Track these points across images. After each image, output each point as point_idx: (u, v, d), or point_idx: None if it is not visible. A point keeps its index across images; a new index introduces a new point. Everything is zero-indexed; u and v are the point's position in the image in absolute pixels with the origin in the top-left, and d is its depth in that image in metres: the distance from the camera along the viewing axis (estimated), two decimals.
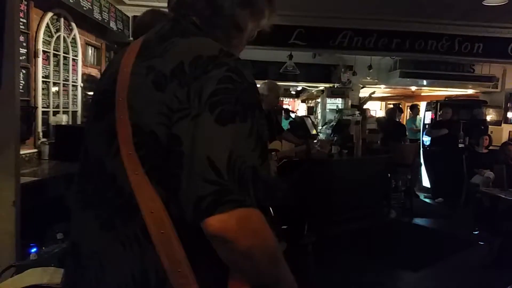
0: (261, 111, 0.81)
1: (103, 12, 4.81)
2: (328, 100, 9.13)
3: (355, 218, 5.34)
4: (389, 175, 6.63)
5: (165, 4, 1.00)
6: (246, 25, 0.96)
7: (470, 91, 9.39)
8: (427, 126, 8.31)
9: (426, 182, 8.09)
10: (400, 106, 10.07)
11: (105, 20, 4.89)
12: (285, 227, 3.07)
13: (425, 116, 8.64)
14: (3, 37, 2.14)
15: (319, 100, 10.59)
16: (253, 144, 0.75)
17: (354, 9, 5.59)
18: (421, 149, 8.12)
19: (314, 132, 6.95)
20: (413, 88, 10.18)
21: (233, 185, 0.71)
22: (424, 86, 9.33)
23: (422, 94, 11.33)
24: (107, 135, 0.84)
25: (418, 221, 6.25)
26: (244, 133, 0.75)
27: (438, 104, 8.16)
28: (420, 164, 7.97)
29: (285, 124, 6.65)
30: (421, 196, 7.77)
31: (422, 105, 9.65)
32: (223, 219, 0.69)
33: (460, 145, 7.31)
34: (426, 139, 8.01)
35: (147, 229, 0.76)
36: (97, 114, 0.91)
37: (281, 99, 8.61)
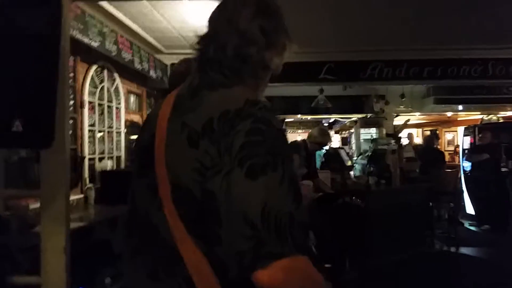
0: (290, 155, 0.83)
1: (143, 62, 5.11)
2: (362, 130, 9.09)
3: (398, 250, 5.20)
4: (430, 204, 6.44)
5: None
6: (272, 63, 0.99)
7: (510, 113, 9.12)
8: (466, 151, 8.09)
9: (470, 209, 7.78)
10: (437, 132, 9.85)
11: (145, 69, 5.19)
12: (328, 265, 3.04)
13: (464, 141, 8.42)
14: (56, 94, 2.33)
15: (352, 130, 10.56)
16: (286, 190, 0.77)
17: (382, 41, 5.63)
18: (462, 175, 7.87)
19: (349, 163, 6.90)
20: (449, 113, 9.99)
21: (270, 237, 0.72)
22: (460, 111, 9.14)
23: (459, 119, 11.08)
24: (151, 190, 0.89)
25: (464, 250, 5.99)
26: (276, 182, 0.76)
27: (476, 128, 7.95)
28: (462, 191, 7.71)
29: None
30: (466, 224, 7.46)
31: (460, 130, 9.42)
32: (269, 274, 0.71)
33: (503, 169, 7.05)
34: (467, 165, 7.77)
35: (192, 280, 0.80)
36: (140, 170, 0.97)
37: None
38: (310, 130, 5.09)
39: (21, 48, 1.36)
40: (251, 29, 0.94)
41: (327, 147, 6.80)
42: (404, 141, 8.87)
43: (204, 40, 0.98)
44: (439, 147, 8.87)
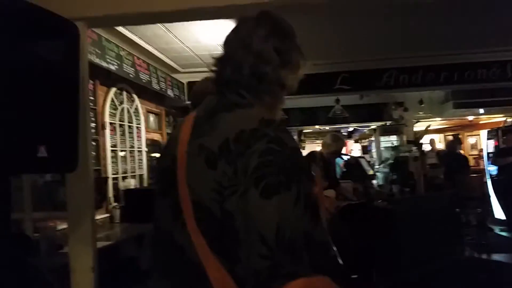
0: (307, 171, 0.85)
1: (161, 82, 5.23)
2: (382, 138, 9.01)
3: (426, 259, 5.07)
4: (457, 210, 6.29)
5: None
6: (288, 81, 1.00)
7: None
8: (490, 155, 7.91)
9: (499, 214, 7.56)
10: (460, 136, 9.66)
11: (163, 89, 5.31)
12: (355, 276, 2.98)
13: (488, 145, 8.25)
14: (78, 119, 2.40)
15: (372, 138, 10.46)
16: (302, 209, 0.77)
17: (395, 48, 5.60)
18: (488, 179, 7.68)
19: (371, 172, 6.82)
20: (471, 117, 9.81)
21: (285, 257, 0.73)
22: (482, 114, 8.96)
23: (481, 122, 10.85)
24: (174, 211, 0.91)
25: (497, 257, 5.79)
26: (290, 202, 0.77)
27: (500, 131, 7.78)
28: (489, 196, 7.51)
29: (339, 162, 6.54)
30: (496, 229, 7.23)
31: (483, 134, 9.23)
32: None
33: None
34: (492, 169, 7.59)
35: None
36: (163, 191, 0.99)
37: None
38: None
39: (43, 76, 1.42)
40: (266, 49, 0.96)
41: (347, 157, 6.75)
42: (426, 147, 8.74)
43: (220, 62, 1.01)
44: (462, 151, 8.68)
